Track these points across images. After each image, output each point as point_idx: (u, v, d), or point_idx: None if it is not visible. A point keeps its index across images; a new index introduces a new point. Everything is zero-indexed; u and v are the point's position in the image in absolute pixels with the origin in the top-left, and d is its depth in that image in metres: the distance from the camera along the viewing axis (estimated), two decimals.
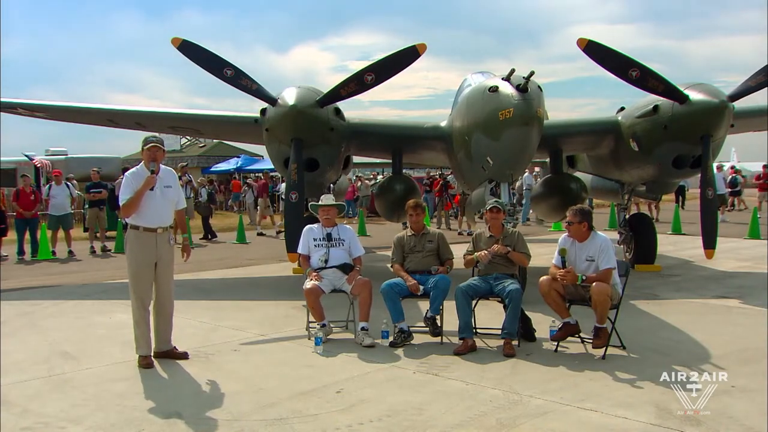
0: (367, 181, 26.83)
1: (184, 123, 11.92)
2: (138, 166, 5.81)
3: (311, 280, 6.45)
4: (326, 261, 6.62)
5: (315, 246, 6.72)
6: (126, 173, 5.83)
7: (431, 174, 21.89)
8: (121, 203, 5.71)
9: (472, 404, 4.61)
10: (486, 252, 6.25)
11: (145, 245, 5.67)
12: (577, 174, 12.11)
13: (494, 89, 7.65)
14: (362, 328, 6.30)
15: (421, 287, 6.36)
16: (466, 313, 6.05)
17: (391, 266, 6.74)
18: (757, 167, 27.84)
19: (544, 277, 5.94)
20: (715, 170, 22.62)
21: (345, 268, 6.62)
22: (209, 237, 17.21)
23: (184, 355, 5.84)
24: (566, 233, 6.10)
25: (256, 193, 20.51)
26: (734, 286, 9.38)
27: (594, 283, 5.69)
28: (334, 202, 6.94)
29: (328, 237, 6.69)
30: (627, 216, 11.42)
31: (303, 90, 8.95)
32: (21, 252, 13.49)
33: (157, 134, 6.30)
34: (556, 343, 5.99)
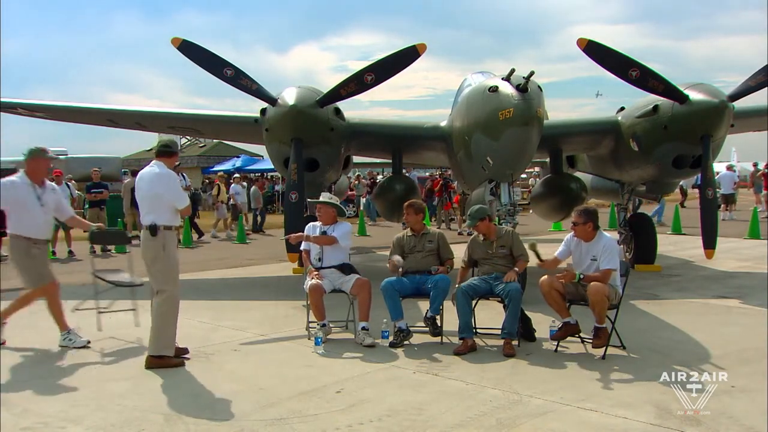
0: (364, 181, 26.79)
1: (184, 123, 11.92)
2: (159, 167, 5.72)
3: (312, 278, 6.45)
4: (320, 260, 6.62)
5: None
6: (169, 174, 5.68)
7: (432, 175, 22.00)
8: (186, 202, 5.72)
9: (472, 404, 4.61)
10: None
11: (176, 245, 5.75)
12: (577, 174, 12.11)
13: (494, 89, 7.65)
14: (363, 328, 6.30)
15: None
16: (466, 313, 6.05)
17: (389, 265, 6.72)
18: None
19: (545, 277, 5.94)
20: (726, 170, 22.82)
21: (344, 269, 6.62)
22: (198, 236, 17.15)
23: (185, 351, 5.85)
24: (572, 233, 6.10)
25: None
26: (734, 286, 9.38)
27: (590, 284, 5.70)
28: (328, 201, 6.86)
29: (323, 235, 6.69)
30: (627, 216, 11.41)
31: (303, 90, 8.96)
32: None
33: (173, 139, 6.35)
34: (556, 343, 6.00)
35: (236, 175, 24.46)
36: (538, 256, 5.96)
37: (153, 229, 5.53)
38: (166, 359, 5.57)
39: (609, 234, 6.09)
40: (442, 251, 6.67)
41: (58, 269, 12.08)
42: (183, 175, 17.36)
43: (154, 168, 5.69)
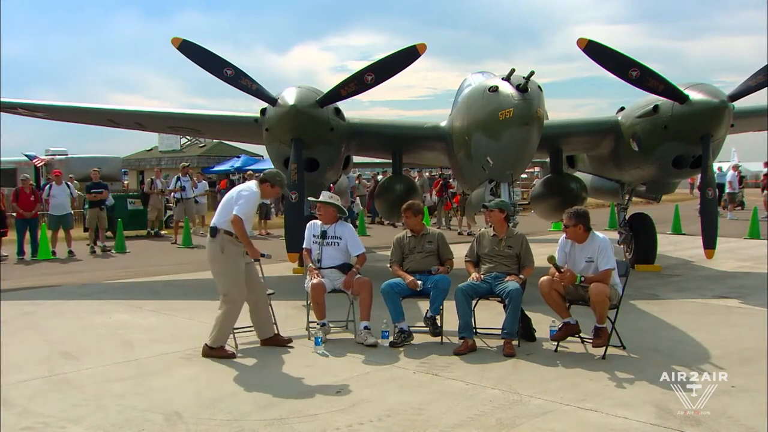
0: (365, 181, 26.74)
1: (184, 123, 11.93)
2: (257, 189, 6.02)
3: (312, 277, 6.45)
4: (319, 260, 6.62)
5: (313, 243, 6.73)
6: (251, 189, 5.97)
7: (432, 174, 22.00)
8: (241, 215, 5.79)
9: (472, 404, 4.61)
10: (478, 275, 6.28)
11: (239, 252, 5.97)
12: (577, 174, 12.11)
13: (494, 89, 7.66)
14: (364, 327, 6.30)
15: (420, 282, 6.34)
16: (467, 313, 6.05)
17: (390, 266, 6.73)
18: (758, 167, 27.86)
19: (545, 278, 5.93)
20: (731, 170, 23.00)
21: (344, 269, 6.61)
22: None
23: (289, 341, 6.24)
24: (564, 235, 6.09)
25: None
26: (734, 286, 9.38)
27: (592, 284, 5.69)
28: (329, 201, 6.80)
29: (323, 235, 6.68)
30: (627, 216, 11.41)
31: (303, 90, 8.96)
32: (21, 252, 13.49)
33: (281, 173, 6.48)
34: (556, 343, 5.99)
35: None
36: (557, 268, 5.86)
37: (213, 231, 5.94)
38: (218, 350, 5.91)
39: (602, 234, 6.04)
40: (442, 251, 6.66)
41: (58, 269, 12.17)
42: (188, 177, 17.07)
43: (248, 183, 6.20)
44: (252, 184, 6.11)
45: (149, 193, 17.62)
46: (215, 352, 5.91)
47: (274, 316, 6.53)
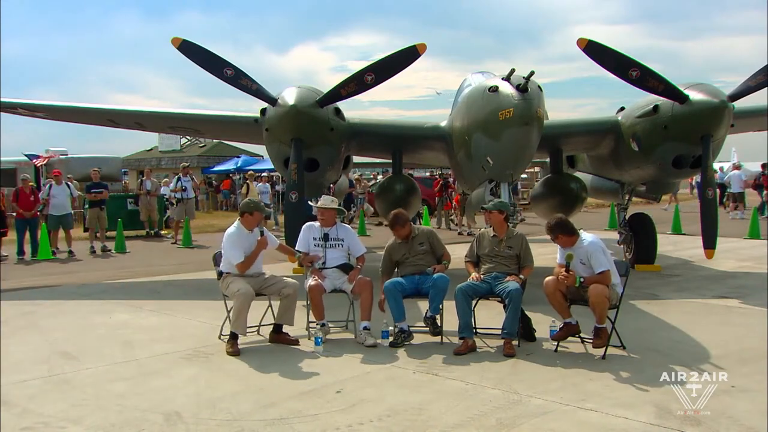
0: (366, 181, 26.72)
1: (184, 123, 11.93)
2: (235, 225, 6.49)
3: (314, 279, 6.46)
4: (324, 263, 6.63)
5: (314, 246, 6.72)
6: (227, 232, 6.47)
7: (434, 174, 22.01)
8: (236, 261, 6.31)
9: (472, 404, 4.61)
10: (477, 275, 6.29)
11: (237, 279, 6.34)
12: (577, 174, 12.10)
13: (494, 89, 7.66)
14: (364, 328, 6.30)
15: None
16: (466, 313, 6.05)
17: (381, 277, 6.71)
18: (757, 167, 27.83)
19: (550, 278, 5.92)
20: (733, 169, 22.98)
21: (345, 268, 6.62)
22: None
23: (296, 342, 6.35)
24: None
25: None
26: (734, 286, 9.38)
27: (591, 286, 5.69)
28: (330, 206, 6.79)
29: (325, 237, 6.68)
30: (627, 216, 11.41)
31: (303, 90, 8.96)
32: (21, 252, 13.49)
33: (258, 202, 6.83)
34: (556, 343, 5.99)
35: (264, 174, 24.42)
36: (568, 268, 5.82)
37: (218, 274, 6.60)
38: (231, 338, 6.18)
39: (590, 237, 5.97)
40: (436, 248, 6.68)
41: (58, 269, 12.17)
42: (190, 177, 16.96)
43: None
44: (232, 225, 6.52)
45: (138, 193, 17.69)
46: (232, 339, 6.18)
47: (274, 315, 6.57)
